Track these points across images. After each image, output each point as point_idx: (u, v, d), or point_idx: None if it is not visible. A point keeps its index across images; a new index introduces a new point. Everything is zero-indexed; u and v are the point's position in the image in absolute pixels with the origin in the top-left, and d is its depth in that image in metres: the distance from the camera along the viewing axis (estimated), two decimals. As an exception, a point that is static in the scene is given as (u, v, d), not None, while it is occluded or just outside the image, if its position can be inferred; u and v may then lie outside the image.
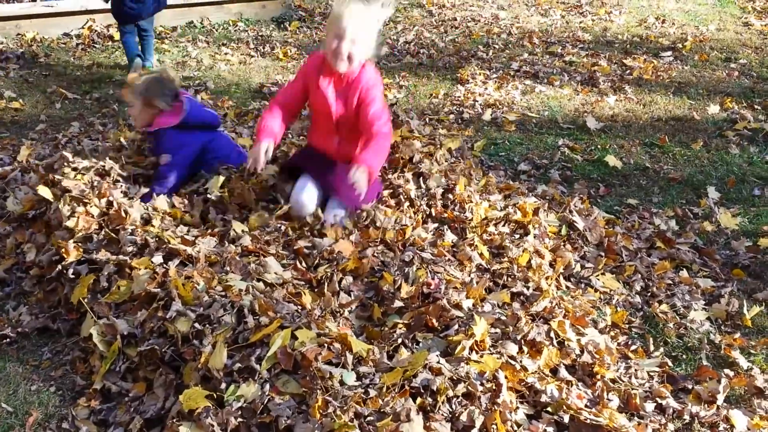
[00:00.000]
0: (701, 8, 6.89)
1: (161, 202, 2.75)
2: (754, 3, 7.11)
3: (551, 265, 2.65)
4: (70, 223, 2.53)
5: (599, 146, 3.92)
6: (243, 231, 2.60)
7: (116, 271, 2.35)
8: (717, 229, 3.02)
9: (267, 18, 6.22)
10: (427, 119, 4.27)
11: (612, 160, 3.68)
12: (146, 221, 2.63)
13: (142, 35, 4.85)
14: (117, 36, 5.31)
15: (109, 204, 2.64)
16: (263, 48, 5.48)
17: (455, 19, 6.44)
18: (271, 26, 6.08)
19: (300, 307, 2.16)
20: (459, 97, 4.67)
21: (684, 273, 2.68)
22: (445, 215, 2.81)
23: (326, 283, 2.32)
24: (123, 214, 2.57)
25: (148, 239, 2.45)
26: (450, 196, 2.93)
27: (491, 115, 4.38)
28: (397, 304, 2.21)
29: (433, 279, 2.29)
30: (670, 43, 5.74)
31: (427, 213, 2.84)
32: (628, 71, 5.10)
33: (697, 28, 6.20)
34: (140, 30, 4.80)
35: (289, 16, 6.25)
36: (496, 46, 5.76)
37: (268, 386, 1.84)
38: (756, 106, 4.45)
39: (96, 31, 5.55)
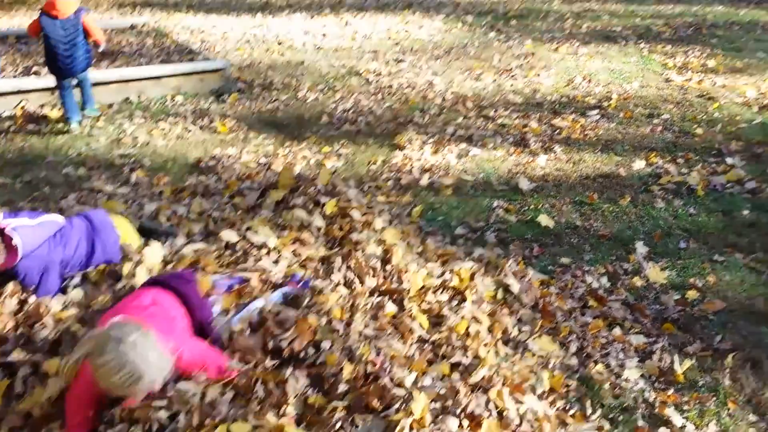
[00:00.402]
0: (625, 67, 7.27)
1: (76, 293, 2.68)
2: (674, 59, 7.55)
3: (489, 331, 2.68)
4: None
5: (532, 206, 4.03)
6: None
7: (32, 373, 2.25)
8: (646, 283, 3.12)
9: (206, 91, 6.27)
10: (366, 187, 4.32)
11: (544, 219, 3.78)
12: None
13: (81, 85, 5.20)
14: (52, 115, 5.35)
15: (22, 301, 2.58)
16: (201, 121, 5.50)
17: (392, 87, 6.62)
18: (210, 99, 6.12)
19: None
20: (397, 163, 4.75)
21: (617, 330, 2.74)
22: (384, 287, 2.82)
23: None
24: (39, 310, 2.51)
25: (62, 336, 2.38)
26: (388, 267, 2.96)
27: (428, 179, 4.47)
28: (342, 388, 2.17)
29: (377, 356, 2.28)
30: (596, 102, 6.02)
31: (367, 286, 2.85)
32: (557, 131, 5.31)
33: (622, 86, 6.53)
34: (78, 81, 5.15)
35: (228, 88, 6.30)
36: (432, 112, 5.92)
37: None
38: (679, 160, 4.68)
39: (29, 111, 5.49)
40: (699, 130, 5.28)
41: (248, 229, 3.11)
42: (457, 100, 6.22)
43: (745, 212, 3.87)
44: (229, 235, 3.06)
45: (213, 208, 3.64)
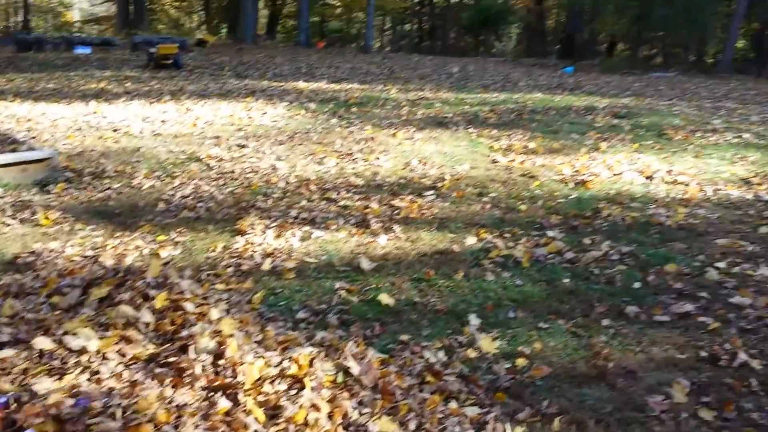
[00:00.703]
0: (456, 150, 7.78)
1: None
2: (499, 142, 8.20)
3: (329, 417, 2.62)
4: None
5: (373, 286, 4.09)
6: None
7: None
8: (480, 354, 3.24)
9: (29, 182, 5.86)
10: (204, 275, 4.17)
11: (385, 298, 3.85)
12: None
13: None
14: None
15: None
16: (22, 214, 5.10)
17: (234, 172, 6.58)
18: (33, 190, 5.72)
19: None
20: (238, 248, 4.67)
21: (453, 404, 2.79)
22: (217, 382, 2.69)
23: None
24: None
25: None
26: (222, 360, 2.83)
27: (271, 264, 4.42)
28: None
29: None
30: (431, 183, 6.35)
31: (199, 383, 2.70)
32: (396, 211, 5.51)
33: (454, 168, 6.96)
34: None
35: (55, 178, 5.94)
36: (275, 196, 5.94)
37: None
38: (506, 235, 5.01)
39: None
40: (523, 207, 5.72)
41: (65, 333, 2.86)
42: (300, 183, 6.30)
43: (566, 280, 4.19)
44: (42, 342, 2.78)
45: (27, 309, 3.32)
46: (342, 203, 5.73)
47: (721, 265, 4.42)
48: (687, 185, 6.40)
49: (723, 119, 10.50)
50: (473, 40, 35.50)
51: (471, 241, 4.83)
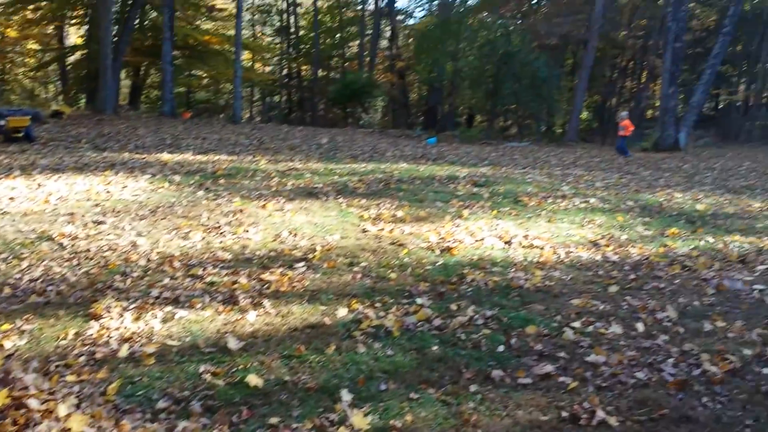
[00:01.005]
0: (327, 220, 7.82)
1: None
2: (368, 212, 8.35)
3: None
4: None
5: (241, 366, 3.93)
6: None
7: None
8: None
9: None
10: (52, 367, 3.82)
11: (253, 379, 3.70)
12: None
13: None
14: None
15: None
16: None
17: (89, 250, 6.19)
18: None
19: None
20: (92, 334, 4.33)
21: (325, 488, 2.70)
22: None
23: None
24: None
25: None
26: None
27: (129, 350, 4.13)
28: None
29: None
30: (302, 255, 6.31)
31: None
32: (266, 285, 5.39)
33: (325, 238, 6.97)
34: None
35: None
36: (135, 275, 5.63)
37: None
38: (377, 304, 5.04)
39: None
40: (393, 275, 5.81)
41: None
42: (163, 260, 6.03)
43: (435, 348, 4.25)
44: None
45: None
46: (208, 279, 5.53)
47: (577, 324, 4.69)
48: (542, 249, 6.81)
49: (571, 185, 11.39)
50: (341, 111, 36.49)
51: (342, 312, 4.81)
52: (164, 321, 4.63)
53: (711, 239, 7.45)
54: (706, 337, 4.51)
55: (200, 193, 9.07)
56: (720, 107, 38.25)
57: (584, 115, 35.05)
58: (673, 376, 3.90)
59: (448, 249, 6.64)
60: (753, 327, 4.65)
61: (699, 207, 9.55)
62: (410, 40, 42.80)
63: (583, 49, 28.91)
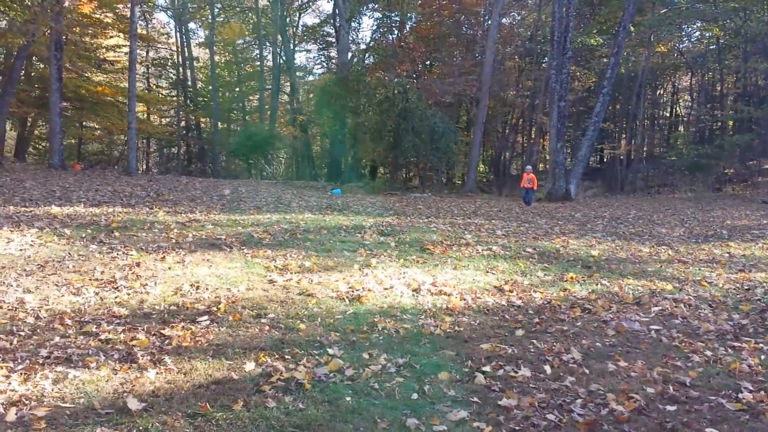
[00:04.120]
0: (231, 272, 7.57)
1: None
2: (275, 262, 8.16)
3: None
4: None
5: (141, 428, 3.65)
6: None
7: None
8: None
9: None
10: None
11: (155, 441, 3.44)
12: None
13: None
14: None
15: None
16: None
17: (-33, 309, 5.64)
18: None
19: None
20: (-30, 401, 3.90)
21: None
22: None
23: None
24: None
25: None
26: None
27: (16, 414, 3.75)
28: None
29: None
30: (205, 308, 6.04)
31: None
32: (167, 341, 5.10)
33: (230, 290, 6.72)
34: None
35: None
36: (23, 333, 5.17)
37: None
38: (287, 356, 4.87)
39: None
40: (302, 326, 5.65)
41: None
42: (53, 317, 5.59)
43: (348, 399, 4.13)
44: None
45: None
46: (103, 337, 5.16)
47: (487, 369, 4.72)
48: (450, 295, 6.89)
49: (474, 234, 11.70)
50: (244, 163, 36.05)
51: (250, 366, 4.60)
52: (55, 382, 4.25)
53: (607, 282, 7.82)
54: (611, 377, 4.66)
55: (93, 246, 8.57)
56: (605, 160, 40.94)
57: (481, 167, 36.49)
58: (583, 416, 3.98)
59: (358, 298, 6.58)
60: (653, 366, 4.86)
61: (593, 252, 10.04)
62: (311, 95, 43.31)
63: (476, 106, 30.31)
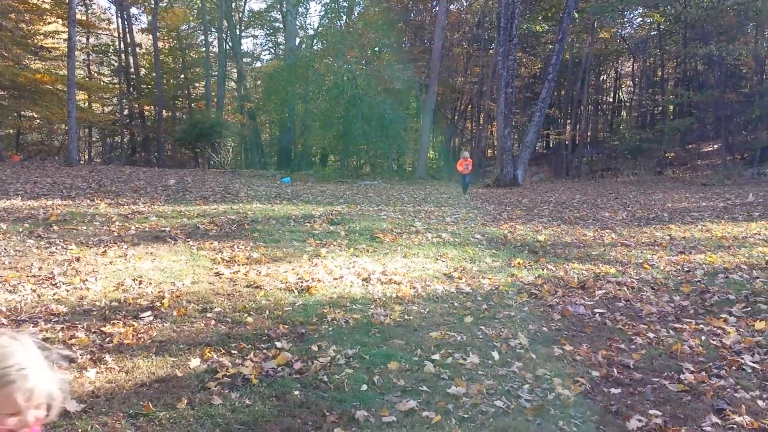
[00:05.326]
0: (176, 265, 7.38)
1: None
2: (222, 254, 8.00)
3: None
4: None
5: (80, 430, 3.51)
6: None
7: None
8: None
9: None
10: None
11: (93, 445, 3.32)
12: None
13: None
14: None
15: None
16: None
17: None
18: None
19: None
20: None
21: None
22: None
23: None
24: None
25: None
26: None
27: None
28: None
29: None
30: (148, 303, 5.87)
31: None
32: (108, 339, 4.93)
33: (174, 284, 6.55)
34: None
35: None
36: (-49, 335, 4.91)
37: None
38: (233, 351, 4.77)
39: None
40: (250, 319, 5.55)
41: None
42: (-15, 318, 5.33)
43: (296, 393, 4.08)
44: None
45: None
46: (41, 336, 4.95)
47: (437, 357, 4.73)
48: (399, 284, 6.88)
49: (423, 221, 11.74)
50: (190, 152, 35.30)
51: (195, 363, 4.49)
52: (-15, 387, 4.05)
53: (552, 267, 7.95)
54: (557, 361, 4.73)
55: (30, 241, 8.23)
56: (551, 146, 41.72)
57: (431, 154, 36.69)
58: (530, 402, 4.02)
59: (307, 289, 6.51)
60: (598, 349, 4.96)
61: (540, 238, 10.21)
62: (258, 82, 42.63)
63: (425, 93, 30.39)
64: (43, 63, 32.35)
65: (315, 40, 37.35)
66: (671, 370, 4.55)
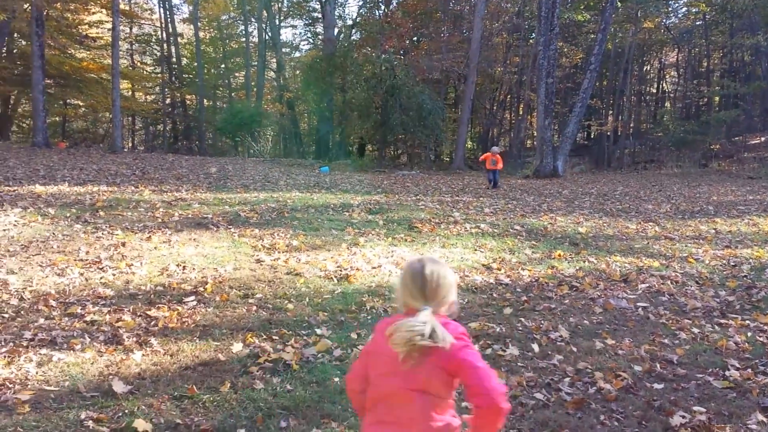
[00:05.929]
0: (218, 251, 7.50)
1: None
2: (262, 242, 8.10)
3: None
4: None
5: (128, 411, 3.61)
6: None
7: None
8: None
9: None
10: None
11: (141, 424, 3.40)
12: None
13: None
14: None
15: None
16: None
17: (-52, 292, 5.56)
18: None
19: None
20: (-47, 385, 3.85)
21: None
22: None
23: None
24: None
25: None
26: None
27: (0, 397, 3.70)
28: None
29: None
30: (192, 288, 5.98)
31: None
32: (153, 322, 5.05)
33: (217, 270, 6.67)
34: None
35: None
36: (6, 315, 5.10)
37: None
38: (274, 337, 4.84)
39: None
40: (290, 305, 5.62)
41: None
42: (37, 299, 5.52)
43: (336, 379, 4.12)
44: None
45: None
46: (88, 318, 5.10)
47: (476, 347, 4.72)
48: (439, 274, 6.86)
49: (462, 212, 11.68)
50: (230, 141, 35.74)
51: (237, 347, 4.57)
52: (40, 365, 4.20)
53: (594, 260, 7.83)
54: (598, 355, 4.67)
55: (78, 226, 8.46)
56: (592, 137, 41.01)
57: (469, 144, 36.43)
58: (571, 395, 3.98)
59: (346, 277, 6.55)
60: (640, 344, 4.88)
61: (581, 230, 10.06)
62: (297, 72, 42.85)
63: (464, 83, 30.14)
64: (88, 52, 33.06)
65: (354, 30, 37.36)
66: (716, 367, 4.46)
